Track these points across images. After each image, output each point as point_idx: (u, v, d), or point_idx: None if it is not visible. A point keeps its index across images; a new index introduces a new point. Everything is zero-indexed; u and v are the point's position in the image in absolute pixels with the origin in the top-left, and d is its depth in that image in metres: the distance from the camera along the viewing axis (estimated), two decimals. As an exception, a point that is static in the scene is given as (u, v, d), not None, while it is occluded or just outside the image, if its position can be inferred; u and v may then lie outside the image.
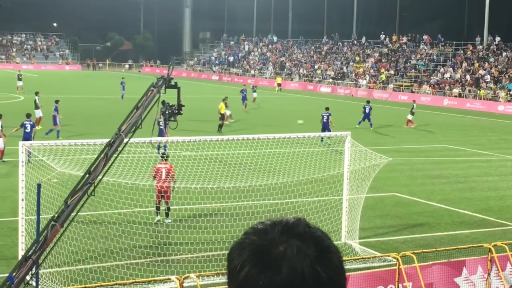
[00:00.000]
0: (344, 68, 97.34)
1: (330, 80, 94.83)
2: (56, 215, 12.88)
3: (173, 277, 14.16)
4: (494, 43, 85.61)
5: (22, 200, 16.25)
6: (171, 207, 21.40)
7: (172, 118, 15.08)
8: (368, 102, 51.78)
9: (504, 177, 31.93)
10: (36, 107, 44.16)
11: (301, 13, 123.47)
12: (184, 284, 13.76)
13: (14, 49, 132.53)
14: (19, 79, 72.98)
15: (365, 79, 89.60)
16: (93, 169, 13.27)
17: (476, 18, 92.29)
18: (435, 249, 16.89)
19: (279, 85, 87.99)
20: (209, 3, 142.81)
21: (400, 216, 24.06)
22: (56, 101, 40.91)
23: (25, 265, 12.36)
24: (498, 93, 72.94)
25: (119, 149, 13.91)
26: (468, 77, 79.12)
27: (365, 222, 21.80)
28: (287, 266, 1.94)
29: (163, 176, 20.90)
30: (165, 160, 21.65)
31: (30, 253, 12.55)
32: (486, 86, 75.36)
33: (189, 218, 20.94)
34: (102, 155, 13.34)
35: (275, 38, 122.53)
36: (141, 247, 18.60)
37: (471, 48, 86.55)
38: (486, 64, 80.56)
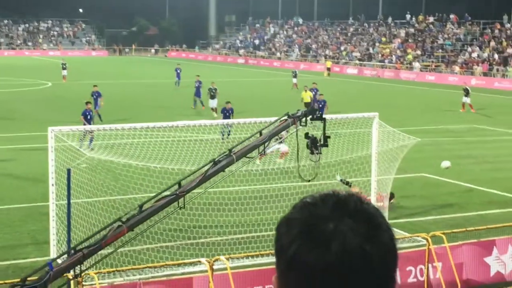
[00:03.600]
0: (371, 49, 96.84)
1: (357, 61, 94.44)
2: (125, 216, 11.96)
3: (203, 260, 14.27)
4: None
5: (53, 185, 16.41)
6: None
7: (318, 151, 14.34)
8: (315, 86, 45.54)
9: (533, 156, 31.65)
10: None
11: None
12: (214, 267, 13.85)
13: (41, 36, 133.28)
14: (64, 68, 68.18)
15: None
16: (184, 181, 12.45)
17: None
18: (465, 229, 16.84)
19: (328, 69, 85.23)
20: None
21: (429, 196, 23.98)
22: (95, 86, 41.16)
23: (73, 257, 11.29)
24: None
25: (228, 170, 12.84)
26: (496, 56, 78.38)
27: (394, 203, 21.76)
28: (337, 244, 1.88)
29: None
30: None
31: (82, 246, 11.50)
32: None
33: (218, 201, 21.03)
34: (202, 172, 12.35)
35: (300, 20, 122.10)
36: (170, 230, 18.71)
37: (498, 26, 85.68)
38: (514, 42, 79.76)
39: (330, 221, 1.92)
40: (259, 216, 19.67)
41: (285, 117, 13.64)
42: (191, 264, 15.26)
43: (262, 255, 15.42)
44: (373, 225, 1.95)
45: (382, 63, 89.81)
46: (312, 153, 14.57)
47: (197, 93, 48.50)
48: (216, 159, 12.60)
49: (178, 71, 64.77)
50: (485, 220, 20.64)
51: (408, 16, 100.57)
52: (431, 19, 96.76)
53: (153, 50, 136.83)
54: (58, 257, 12.72)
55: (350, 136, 25.11)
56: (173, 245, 17.71)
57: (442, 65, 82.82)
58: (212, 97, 44.65)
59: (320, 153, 14.53)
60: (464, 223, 20.13)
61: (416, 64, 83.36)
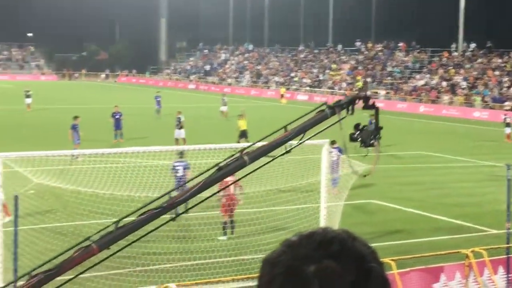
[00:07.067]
0: (321, 75, 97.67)
1: (307, 88, 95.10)
2: (96, 235, 10.45)
3: (152, 287, 14.15)
4: (469, 49, 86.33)
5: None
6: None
7: (373, 142, 12.29)
8: None
9: (479, 183, 32.16)
10: None
11: (276, 21, 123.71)
12: (164, 294, 13.75)
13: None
14: (28, 96, 64.56)
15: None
16: (176, 192, 11.00)
17: (451, 25, 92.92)
18: (412, 256, 17.00)
19: (282, 96, 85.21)
20: (185, 12, 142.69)
21: (377, 223, 24.17)
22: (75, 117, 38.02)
23: (28, 283, 9.69)
24: (473, 99, 73.49)
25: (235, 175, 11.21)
26: (444, 83, 79.66)
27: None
28: None
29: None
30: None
31: (38, 271, 9.89)
32: (462, 93, 75.93)
33: (167, 228, 20.90)
34: (202, 179, 10.48)
35: (251, 47, 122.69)
36: (119, 257, 18.53)
37: (446, 55, 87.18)
38: (462, 70, 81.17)
39: (312, 262, 1.78)
40: (209, 242, 19.59)
41: (324, 108, 11.38)
42: (140, 291, 15.12)
43: (212, 283, 15.36)
44: (361, 269, 1.78)
45: (332, 90, 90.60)
46: (366, 146, 12.52)
47: (117, 125, 44.40)
48: (222, 164, 10.49)
49: (158, 99, 62.53)
50: (433, 247, 20.86)
51: (358, 44, 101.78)
52: (379, 46, 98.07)
53: (103, 75, 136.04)
54: (5, 286, 12.41)
55: (300, 163, 25.25)
56: (122, 272, 17.53)
57: (391, 92, 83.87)
58: (179, 127, 41.80)
59: (373, 145, 12.33)
60: (412, 250, 20.32)
61: (382, 92, 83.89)
